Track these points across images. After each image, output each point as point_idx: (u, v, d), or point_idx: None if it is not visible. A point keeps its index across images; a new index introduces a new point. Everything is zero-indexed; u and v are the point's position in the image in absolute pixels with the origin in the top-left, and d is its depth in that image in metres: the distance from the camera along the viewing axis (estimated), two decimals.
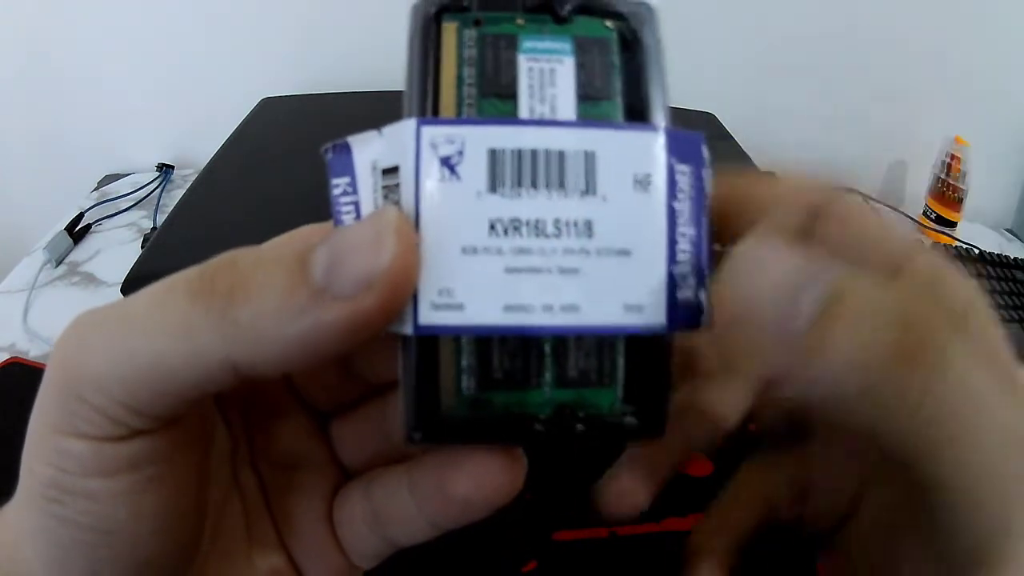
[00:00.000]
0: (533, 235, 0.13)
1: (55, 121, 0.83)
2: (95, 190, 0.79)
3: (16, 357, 0.51)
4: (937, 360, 0.13)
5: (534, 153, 0.13)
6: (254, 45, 0.82)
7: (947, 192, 0.83)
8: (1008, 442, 0.13)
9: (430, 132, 0.13)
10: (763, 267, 0.13)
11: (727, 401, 0.18)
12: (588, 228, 0.13)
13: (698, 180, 0.14)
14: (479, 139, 0.13)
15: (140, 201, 0.75)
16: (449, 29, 0.14)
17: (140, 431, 0.13)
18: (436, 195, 0.13)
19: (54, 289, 0.62)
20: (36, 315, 0.58)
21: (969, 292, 0.15)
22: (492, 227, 0.13)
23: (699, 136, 0.14)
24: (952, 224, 0.84)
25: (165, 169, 0.81)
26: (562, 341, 0.14)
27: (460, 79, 0.14)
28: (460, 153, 0.13)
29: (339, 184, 0.14)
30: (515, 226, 0.13)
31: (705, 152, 0.14)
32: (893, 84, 0.87)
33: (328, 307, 0.12)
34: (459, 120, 0.14)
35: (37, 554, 0.14)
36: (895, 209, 0.89)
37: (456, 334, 0.13)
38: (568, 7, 0.14)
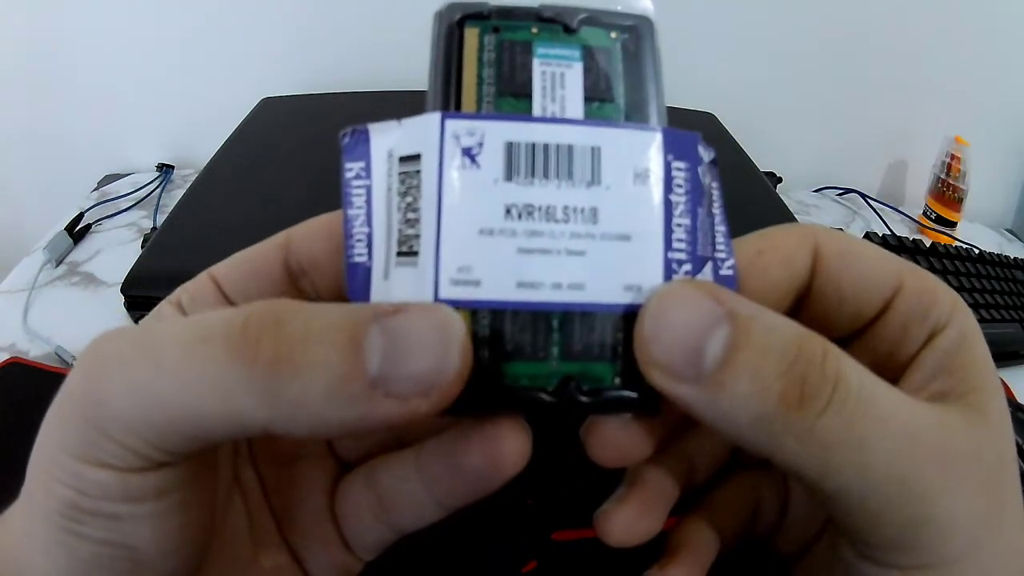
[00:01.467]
0: (544, 220, 0.14)
1: (55, 121, 0.83)
2: (95, 190, 0.78)
3: (16, 357, 0.51)
4: (826, 397, 0.13)
5: (546, 147, 0.15)
6: (254, 45, 0.82)
7: (947, 192, 0.83)
8: (904, 447, 0.14)
9: (453, 125, 0.14)
10: (677, 311, 0.14)
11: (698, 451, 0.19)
12: (593, 215, 0.15)
13: (694, 176, 0.15)
14: (497, 132, 0.15)
15: (140, 201, 0.75)
16: (471, 34, 0.15)
17: (163, 463, 0.13)
18: (457, 181, 0.14)
19: (54, 289, 0.62)
20: (36, 315, 0.58)
21: (953, 300, 0.16)
22: (507, 211, 0.14)
23: (695, 136, 0.16)
24: (952, 224, 0.84)
25: (165, 169, 0.81)
26: (568, 317, 0.14)
27: (480, 79, 0.15)
28: (480, 144, 0.14)
29: (352, 168, 0.15)
30: (528, 211, 0.14)
31: (703, 151, 0.15)
32: (893, 84, 0.87)
33: (380, 403, 0.12)
34: (479, 115, 0.15)
35: (54, 567, 0.14)
36: (895, 209, 0.89)
37: (473, 308, 0.14)
38: (577, 19, 0.16)
